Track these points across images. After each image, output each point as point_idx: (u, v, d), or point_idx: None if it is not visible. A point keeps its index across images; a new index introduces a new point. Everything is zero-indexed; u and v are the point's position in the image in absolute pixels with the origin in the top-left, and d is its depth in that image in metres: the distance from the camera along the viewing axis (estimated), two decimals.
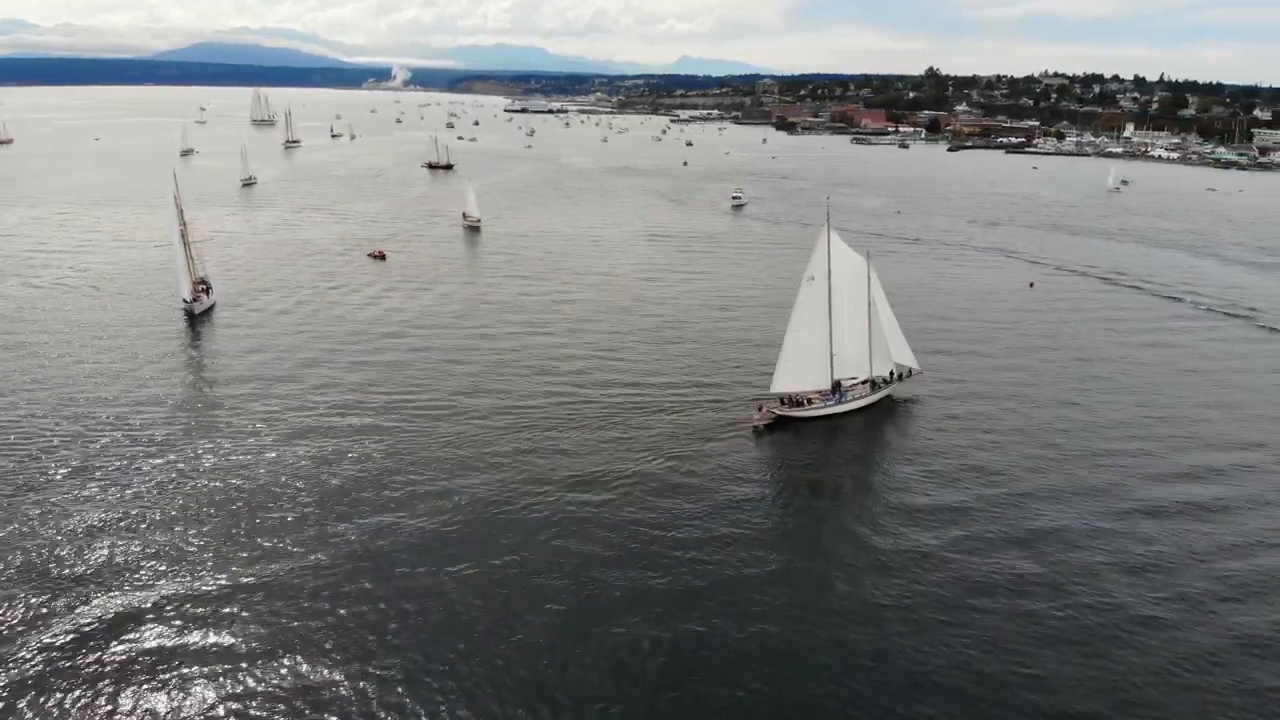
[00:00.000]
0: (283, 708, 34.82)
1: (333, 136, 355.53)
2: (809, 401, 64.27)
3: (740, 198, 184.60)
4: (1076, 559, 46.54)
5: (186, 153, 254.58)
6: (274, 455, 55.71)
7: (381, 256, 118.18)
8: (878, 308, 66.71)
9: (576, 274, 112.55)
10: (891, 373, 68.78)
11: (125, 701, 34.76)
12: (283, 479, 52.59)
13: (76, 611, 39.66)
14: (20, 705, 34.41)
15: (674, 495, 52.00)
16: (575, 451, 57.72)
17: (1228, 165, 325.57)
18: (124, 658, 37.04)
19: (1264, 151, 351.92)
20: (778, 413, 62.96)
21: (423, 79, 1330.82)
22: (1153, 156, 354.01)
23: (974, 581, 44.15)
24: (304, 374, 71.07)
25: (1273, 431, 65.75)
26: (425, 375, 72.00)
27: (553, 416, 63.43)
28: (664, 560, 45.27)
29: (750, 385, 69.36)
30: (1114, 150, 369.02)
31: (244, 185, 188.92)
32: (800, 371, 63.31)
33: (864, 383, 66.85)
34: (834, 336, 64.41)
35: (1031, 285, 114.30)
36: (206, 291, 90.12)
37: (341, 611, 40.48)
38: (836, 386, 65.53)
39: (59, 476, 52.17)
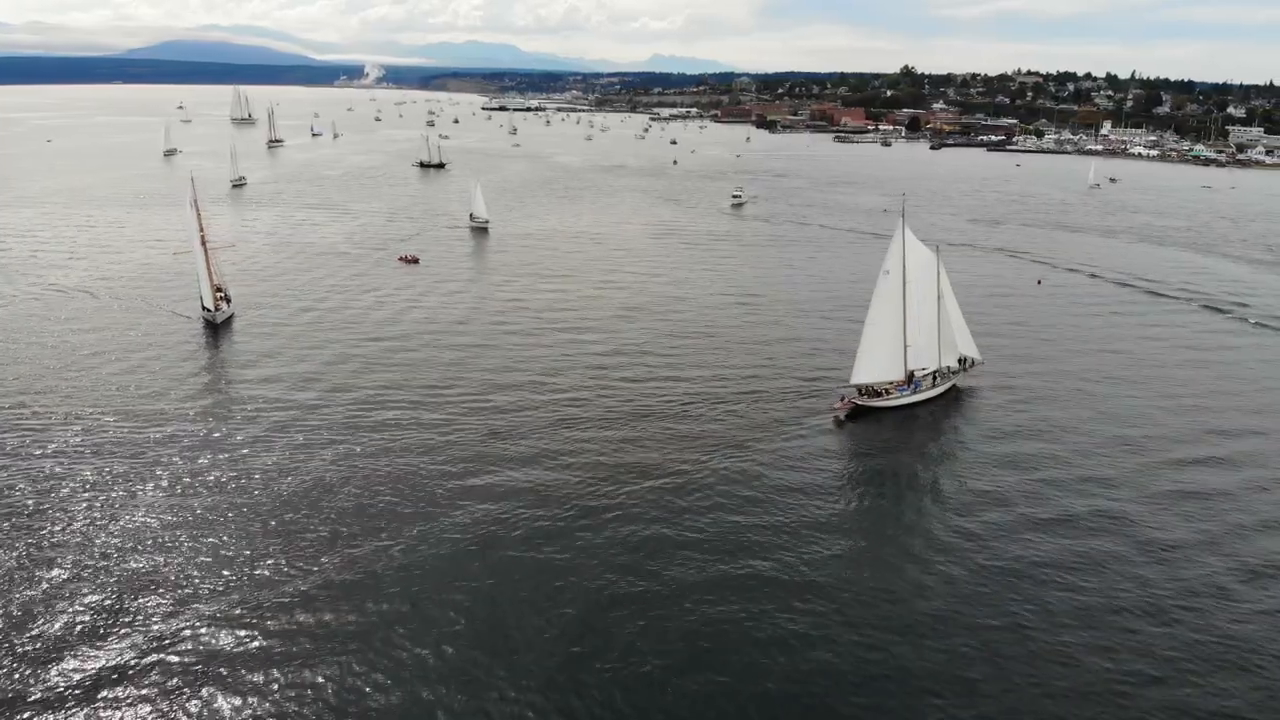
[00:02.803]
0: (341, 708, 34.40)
1: (313, 135, 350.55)
2: (886, 392, 66.41)
3: (740, 196, 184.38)
4: (1133, 510, 52.40)
5: (170, 153, 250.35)
6: (326, 463, 54.48)
7: (414, 261, 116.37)
8: (945, 300, 68.73)
9: (596, 274, 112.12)
10: (961, 359, 71.70)
11: (156, 708, 34.36)
12: (346, 487, 51.45)
13: (104, 623, 38.94)
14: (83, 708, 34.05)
15: (772, 478, 54.79)
16: (653, 443, 59.62)
17: (1207, 162, 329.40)
18: (161, 663, 36.58)
19: (1240, 149, 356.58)
20: (857, 403, 65.11)
21: (395, 77, 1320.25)
22: (1132, 154, 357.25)
23: (1045, 532, 49.43)
24: (346, 383, 69.48)
25: None
26: (471, 379, 71.12)
27: (634, 408, 65.90)
28: (767, 529, 48.94)
29: (805, 378, 72.45)
30: (1093, 148, 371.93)
31: (234, 186, 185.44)
32: (878, 363, 65.59)
33: (933, 373, 69.27)
34: (908, 328, 66.48)
35: (1039, 283, 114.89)
36: (226, 300, 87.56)
37: (410, 608, 40.30)
38: (910, 377, 67.82)
39: (100, 487, 50.96)
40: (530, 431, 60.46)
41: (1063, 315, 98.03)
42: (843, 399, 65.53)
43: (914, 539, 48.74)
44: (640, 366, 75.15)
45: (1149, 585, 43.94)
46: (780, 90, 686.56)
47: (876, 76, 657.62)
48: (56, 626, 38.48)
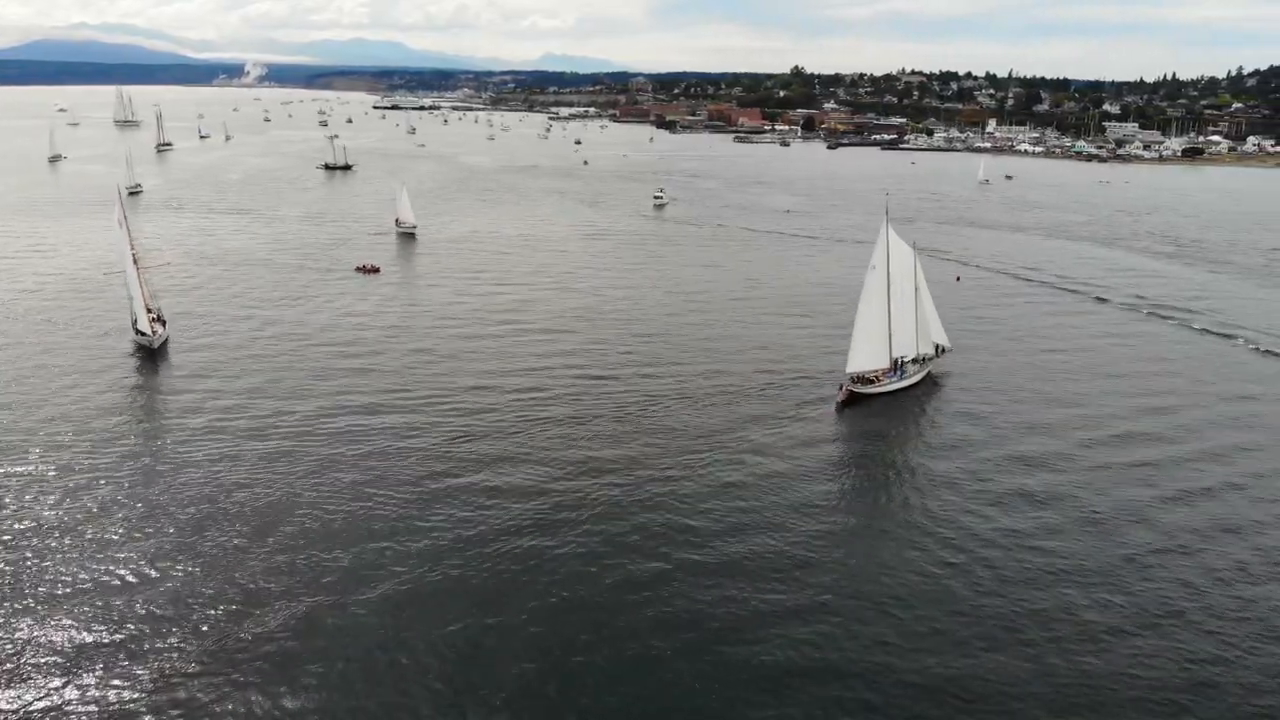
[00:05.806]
0: None
1: (201, 138, 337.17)
2: (876, 379, 71.46)
3: (662, 198, 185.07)
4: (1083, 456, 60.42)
5: (55, 159, 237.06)
6: (307, 490, 51.86)
7: (375, 270, 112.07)
8: (921, 293, 74.63)
9: (541, 278, 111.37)
10: (937, 346, 77.27)
11: None
12: (329, 505, 49.04)
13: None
14: None
15: (786, 459, 58.47)
16: (640, 435, 61.60)
17: (1089, 158, 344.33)
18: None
19: (1119, 144, 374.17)
20: (853, 390, 69.92)
21: (278, 75, 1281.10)
22: (1019, 151, 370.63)
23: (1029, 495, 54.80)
24: (320, 403, 65.66)
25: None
26: (449, 386, 70.12)
27: (636, 400, 67.93)
28: (797, 492, 53.87)
29: (774, 371, 76.25)
30: (982, 145, 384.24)
31: (130, 194, 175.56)
32: (867, 352, 70.39)
33: (913, 360, 74.62)
34: (893, 319, 71.67)
35: (958, 279, 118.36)
36: (161, 322, 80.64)
37: (394, 619, 38.90)
38: (895, 364, 72.88)
39: (44, 528, 47.19)
40: (509, 436, 59.97)
41: (989, 308, 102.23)
42: (841, 387, 70.23)
43: (907, 495, 54.82)
44: (611, 366, 76.22)
45: (1107, 515, 51.47)
46: (677, 90, 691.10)
47: (769, 77, 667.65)
48: None
